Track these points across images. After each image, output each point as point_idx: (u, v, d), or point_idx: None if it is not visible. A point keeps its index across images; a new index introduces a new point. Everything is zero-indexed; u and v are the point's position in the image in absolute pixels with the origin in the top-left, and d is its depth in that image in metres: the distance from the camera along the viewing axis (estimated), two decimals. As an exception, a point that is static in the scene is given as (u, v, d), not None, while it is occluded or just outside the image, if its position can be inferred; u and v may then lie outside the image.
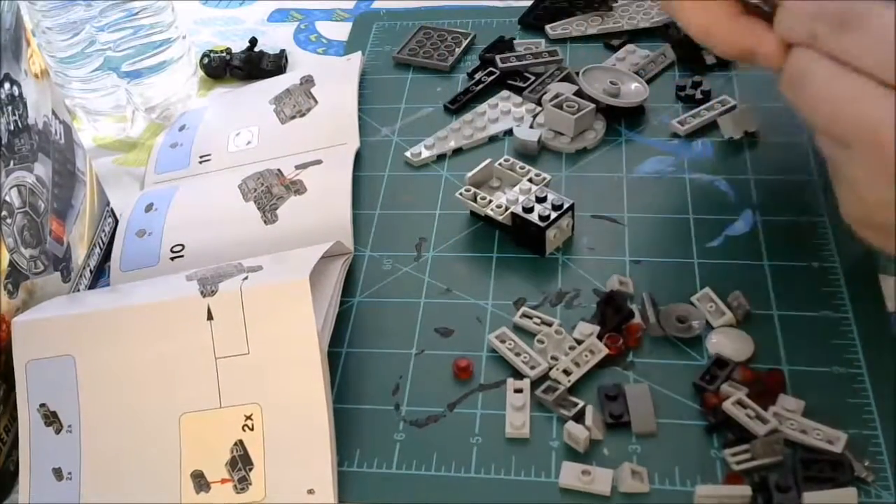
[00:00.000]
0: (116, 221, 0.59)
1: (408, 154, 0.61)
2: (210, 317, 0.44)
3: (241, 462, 0.43)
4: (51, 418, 0.44)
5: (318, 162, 0.59)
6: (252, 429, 0.43)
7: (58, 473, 0.44)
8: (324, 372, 0.44)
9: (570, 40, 0.69)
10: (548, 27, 0.69)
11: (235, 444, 0.43)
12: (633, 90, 0.62)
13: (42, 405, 0.45)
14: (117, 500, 0.43)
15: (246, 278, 0.45)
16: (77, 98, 0.64)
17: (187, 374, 0.44)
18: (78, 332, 0.45)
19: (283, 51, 0.72)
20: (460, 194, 0.55)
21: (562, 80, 0.64)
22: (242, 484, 0.43)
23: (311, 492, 0.43)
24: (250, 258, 0.49)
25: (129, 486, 0.44)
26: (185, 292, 0.45)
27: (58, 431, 0.44)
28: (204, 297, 0.44)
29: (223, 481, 0.43)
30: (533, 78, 0.65)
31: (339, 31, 0.75)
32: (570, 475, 0.42)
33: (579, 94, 0.61)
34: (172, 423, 0.44)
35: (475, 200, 0.54)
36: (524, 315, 0.49)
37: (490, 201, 0.54)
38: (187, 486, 0.43)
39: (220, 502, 0.43)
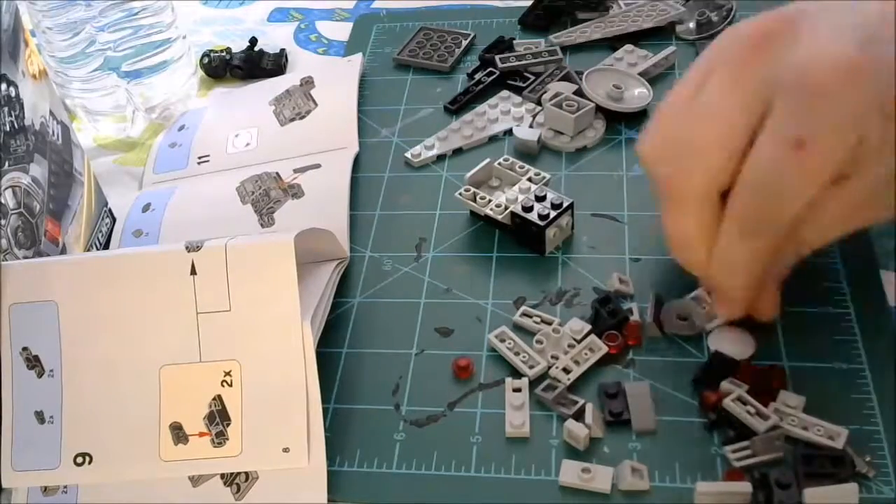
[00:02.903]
0: (114, 221, 0.59)
1: (408, 155, 0.61)
2: (193, 272, 0.44)
3: (218, 417, 0.43)
4: (33, 362, 0.45)
5: (317, 166, 0.59)
6: (231, 385, 0.44)
7: (40, 416, 0.44)
8: (306, 352, 0.43)
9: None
10: (552, 38, 0.68)
11: (214, 398, 0.44)
12: (637, 95, 0.61)
13: (24, 349, 0.45)
14: (97, 447, 0.44)
15: (233, 238, 0.45)
16: (77, 98, 0.65)
17: (168, 326, 0.44)
18: (61, 279, 0.45)
19: (283, 50, 0.72)
20: (460, 194, 0.54)
21: (561, 79, 0.64)
22: (220, 438, 0.43)
23: (286, 450, 0.43)
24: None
25: (109, 433, 0.44)
26: (170, 246, 0.45)
27: (40, 375, 0.45)
28: (189, 251, 0.44)
29: (201, 434, 0.43)
30: (532, 77, 0.65)
31: (339, 30, 0.75)
32: (571, 473, 0.42)
33: (579, 93, 0.61)
34: (152, 375, 0.44)
35: (475, 200, 0.54)
36: (524, 314, 0.49)
37: (490, 201, 0.54)
38: (166, 436, 0.44)
39: (198, 456, 0.43)
